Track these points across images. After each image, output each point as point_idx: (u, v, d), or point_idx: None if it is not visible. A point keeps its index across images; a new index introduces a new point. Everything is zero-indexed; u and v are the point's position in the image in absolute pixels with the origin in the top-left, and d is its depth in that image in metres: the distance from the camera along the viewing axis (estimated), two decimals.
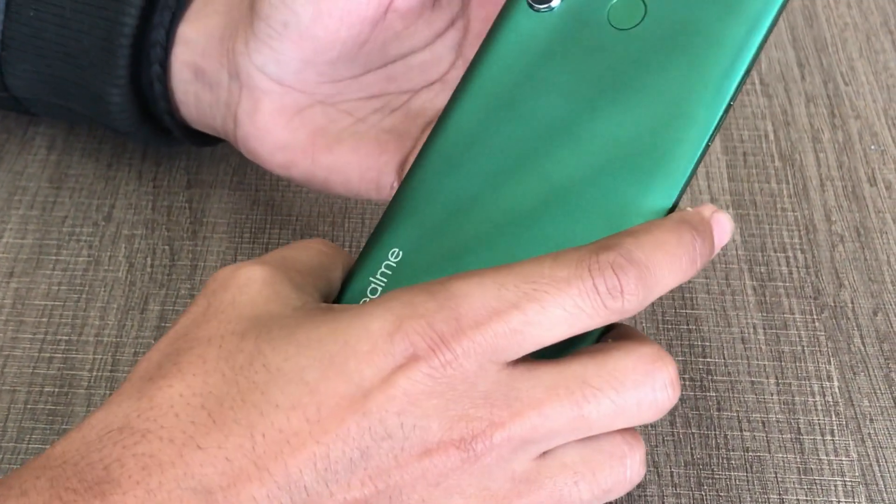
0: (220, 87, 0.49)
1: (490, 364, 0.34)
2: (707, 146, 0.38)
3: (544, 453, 0.35)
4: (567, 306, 0.34)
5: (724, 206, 0.57)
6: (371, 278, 0.39)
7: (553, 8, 0.40)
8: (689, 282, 0.53)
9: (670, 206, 0.38)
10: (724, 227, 0.38)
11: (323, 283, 0.38)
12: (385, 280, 0.39)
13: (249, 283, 0.36)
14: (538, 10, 0.40)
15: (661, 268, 0.35)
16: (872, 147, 0.59)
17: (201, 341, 0.35)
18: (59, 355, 0.51)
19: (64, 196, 0.57)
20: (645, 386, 0.35)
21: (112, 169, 0.59)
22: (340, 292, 0.39)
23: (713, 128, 0.38)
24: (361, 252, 0.40)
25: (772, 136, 0.60)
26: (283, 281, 0.36)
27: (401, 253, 0.39)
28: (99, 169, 0.59)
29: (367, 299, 0.39)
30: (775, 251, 0.55)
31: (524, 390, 0.34)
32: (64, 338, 0.51)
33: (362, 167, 0.47)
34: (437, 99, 0.48)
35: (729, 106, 0.39)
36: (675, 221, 0.37)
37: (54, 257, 0.55)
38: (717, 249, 0.38)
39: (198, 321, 0.36)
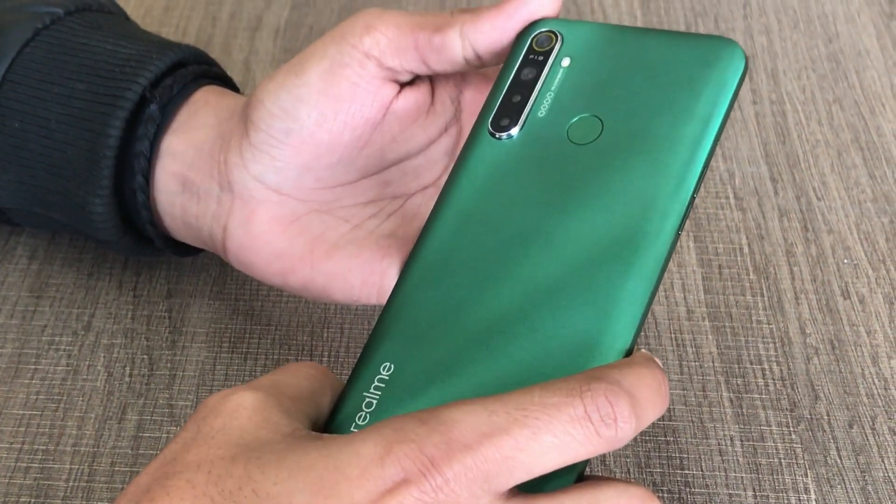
0: (210, 199, 0.50)
1: (482, 493, 0.33)
2: (678, 234, 0.40)
3: None
4: (558, 433, 0.33)
5: (700, 318, 0.57)
6: (365, 393, 0.39)
7: (513, 136, 0.43)
8: None
9: (649, 293, 0.39)
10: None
11: (312, 408, 0.38)
12: (379, 393, 0.39)
13: (240, 410, 0.36)
14: (499, 139, 0.43)
15: (646, 399, 0.35)
16: (845, 261, 0.60)
17: (190, 466, 0.34)
18: (36, 465, 0.50)
19: (44, 305, 0.58)
20: None
21: (92, 278, 0.59)
22: (334, 409, 0.39)
23: (681, 218, 0.40)
24: (354, 369, 0.40)
25: (746, 250, 0.61)
26: (273, 407, 0.36)
27: (392, 366, 0.39)
28: (79, 278, 0.59)
29: (363, 414, 0.39)
30: (751, 363, 0.55)
31: None
32: (41, 447, 0.51)
33: (364, 272, 0.48)
34: (431, 202, 0.49)
35: (692, 198, 0.40)
36: (645, 358, 0.37)
37: (33, 366, 0.55)
38: None
39: (188, 446, 0.35)
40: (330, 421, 0.39)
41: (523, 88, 0.44)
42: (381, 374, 0.39)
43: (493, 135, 0.43)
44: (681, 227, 0.40)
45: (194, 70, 0.53)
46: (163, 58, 0.52)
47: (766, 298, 0.58)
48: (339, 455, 0.33)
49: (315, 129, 0.47)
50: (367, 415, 0.38)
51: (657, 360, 0.37)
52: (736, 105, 0.68)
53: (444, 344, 0.39)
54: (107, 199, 0.51)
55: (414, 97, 0.48)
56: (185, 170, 0.50)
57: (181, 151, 0.51)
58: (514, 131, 0.43)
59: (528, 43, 0.45)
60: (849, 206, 0.63)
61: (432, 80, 0.49)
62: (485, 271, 0.40)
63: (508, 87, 0.44)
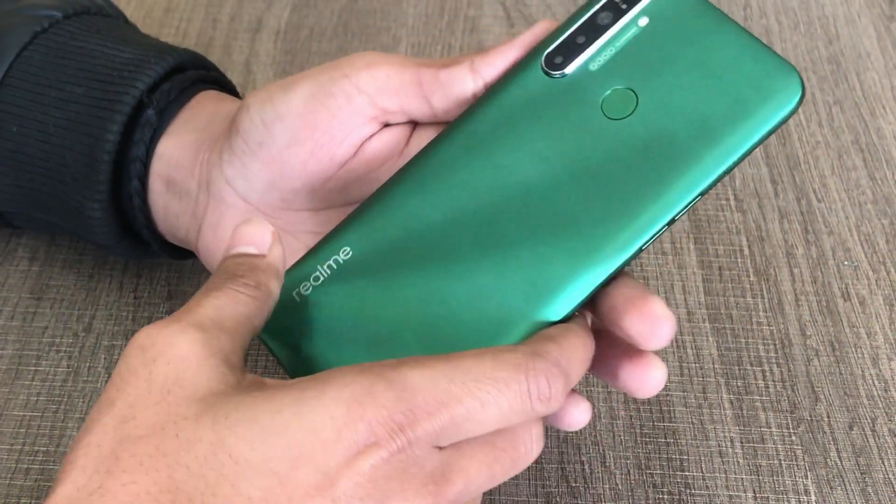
0: (189, 198, 0.50)
1: (432, 448, 0.36)
2: (641, 248, 0.40)
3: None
4: (502, 406, 0.36)
5: (701, 320, 0.57)
6: (318, 266, 0.42)
7: (557, 78, 0.43)
8: (667, 394, 0.54)
9: (600, 281, 0.40)
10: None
11: (249, 335, 0.39)
12: (329, 272, 0.42)
13: (189, 358, 0.36)
14: (546, 74, 0.43)
15: (577, 374, 0.39)
16: (845, 263, 0.60)
17: (155, 429, 0.34)
18: (37, 467, 0.50)
19: (45, 307, 0.58)
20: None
21: (93, 280, 0.59)
22: (286, 273, 0.42)
23: (652, 233, 0.40)
24: (319, 241, 0.43)
25: (747, 251, 0.61)
26: (215, 356, 0.36)
27: (350, 252, 0.42)
28: (80, 280, 0.59)
29: (307, 284, 0.42)
30: (751, 365, 0.55)
31: (455, 465, 0.37)
32: (42, 449, 0.51)
33: None
34: None
35: (673, 220, 0.40)
36: (583, 331, 0.40)
37: (34, 368, 0.55)
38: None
39: (143, 400, 0.35)
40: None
41: (592, 31, 0.43)
42: (338, 255, 0.42)
43: (542, 68, 0.43)
44: (655, 235, 0.40)
45: (192, 75, 0.53)
46: (161, 62, 0.52)
47: (766, 300, 0.58)
48: (312, 416, 0.34)
49: (284, 150, 0.47)
50: (311, 287, 0.42)
51: (588, 325, 0.41)
52: None
53: (402, 251, 0.42)
54: (104, 203, 0.51)
55: (390, 138, 0.48)
56: (170, 170, 0.51)
57: (168, 153, 0.51)
58: (560, 73, 0.43)
59: None
60: (849, 208, 0.63)
61: (414, 124, 0.49)
62: (467, 199, 0.42)
63: (580, 25, 0.43)
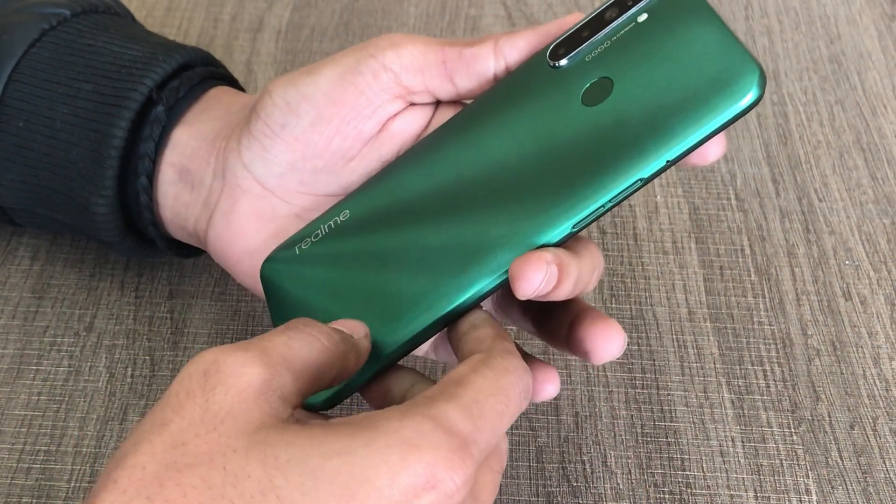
0: (202, 186, 0.50)
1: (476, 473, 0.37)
2: (573, 228, 0.41)
3: None
4: (514, 406, 0.39)
5: (702, 320, 0.57)
6: (321, 225, 0.46)
7: (556, 68, 0.44)
8: (668, 394, 0.54)
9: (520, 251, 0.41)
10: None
11: (313, 384, 0.38)
12: (328, 230, 0.46)
13: (248, 391, 0.35)
14: (549, 65, 0.44)
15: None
16: (847, 262, 0.60)
17: (202, 459, 0.33)
18: (38, 466, 0.50)
19: (46, 306, 0.58)
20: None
21: (94, 279, 0.59)
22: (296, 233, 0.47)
23: (581, 216, 0.41)
24: (331, 206, 0.47)
25: (748, 251, 0.61)
26: (275, 391, 0.35)
27: (348, 213, 0.46)
28: (81, 279, 0.59)
29: (308, 240, 0.46)
30: (752, 364, 0.55)
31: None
32: (43, 448, 0.51)
33: None
34: None
35: (607, 205, 0.41)
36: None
37: (35, 367, 0.55)
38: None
39: (196, 429, 0.34)
40: (288, 240, 0.47)
41: (596, 26, 0.44)
42: (338, 217, 0.46)
43: (547, 59, 0.44)
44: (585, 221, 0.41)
45: (201, 72, 0.53)
46: (169, 60, 0.52)
47: (767, 300, 0.58)
48: (365, 463, 0.34)
49: (308, 129, 0.47)
50: (310, 242, 0.46)
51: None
52: None
53: (388, 215, 0.45)
54: (110, 199, 0.51)
55: (414, 118, 0.48)
56: (185, 160, 0.51)
57: (185, 142, 0.51)
58: (559, 63, 0.44)
59: None
60: (850, 208, 0.63)
61: (437, 105, 0.49)
62: (449, 172, 0.44)
63: (589, 20, 0.45)
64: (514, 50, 0.46)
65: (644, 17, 0.43)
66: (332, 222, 0.46)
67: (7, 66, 0.52)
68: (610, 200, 0.40)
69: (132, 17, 0.59)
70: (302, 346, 0.37)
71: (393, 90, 0.47)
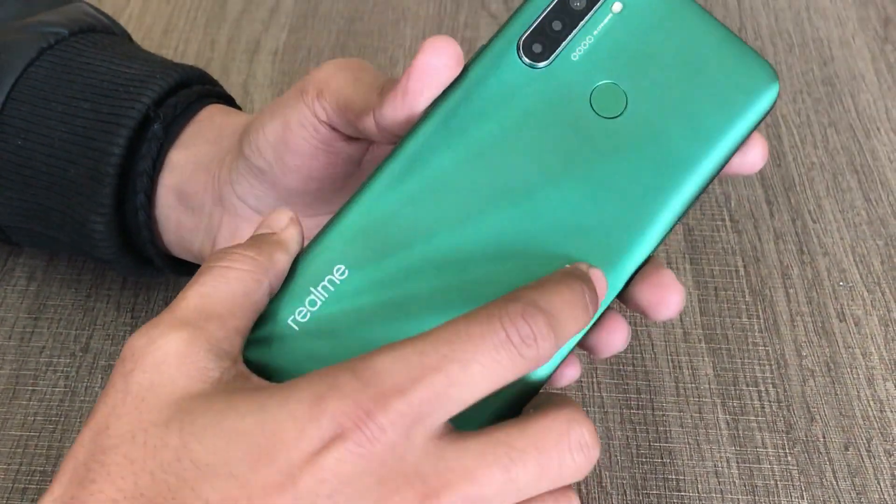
0: (203, 212, 0.50)
1: (417, 435, 0.33)
2: (651, 252, 0.39)
3: None
4: (485, 361, 0.33)
5: (697, 340, 0.57)
6: (312, 288, 0.39)
7: (539, 68, 0.40)
8: (663, 415, 0.54)
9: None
10: (600, 280, 0.39)
11: (245, 317, 0.37)
12: (326, 295, 0.38)
13: (166, 361, 0.35)
14: (525, 63, 0.40)
15: (563, 312, 0.35)
16: (841, 284, 0.60)
17: (125, 438, 0.34)
18: (34, 486, 0.50)
19: (42, 326, 0.58)
20: (562, 444, 0.35)
21: (91, 299, 0.59)
22: (274, 297, 0.39)
23: (664, 234, 0.39)
24: (301, 257, 0.39)
25: (742, 272, 0.61)
26: (199, 349, 0.35)
27: (347, 271, 0.39)
28: (78, 299, 0.59)
29: (303, 310, 0.38)
30: (747, 385, 0.55)
31: (453, 459, 0.33)
32: (38, 468, 0.51)
33: None
34: None
35: (671, 227, 0.39)
36: (564, 274, 0.37)
37: (31, 387, 0.55)
38: (600, 301, 0.38)
39: (118, 411, 0.35)
40: (267, 311, 0.38)
41: (567, 17, 0.41)
42: (332, 274, 0.39)
43: (519, 55, 0.40)
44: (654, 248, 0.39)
45: (198, 90, 0.53)
46: (166, 78, 0.52)
47: (761, 321, 0.58)
48: (274, 418, 0.33)
49: (280, 175, 0.47)
50: (308, 313, 0.38)
51: (583, 274, 0.37)
52: None
53: (404, 263, 0.39)
54: (108, 217, 0.51)
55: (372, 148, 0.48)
56: (182, 183, 0.51)
57: (181, 165, 0.51)
58: (543, 64, 0.40)
59: None
60: (844, 229, 0.64)
61: None
62: (460, 202, 0.39)
63: (552, 8, 0.41)
64: (385, 120, 0.42)
65: (619, 6, 0.41)
66: (326, 283, 0.39)
67: (5, 84, 0.52)
68: (670, 225, 0.39)
69: (129, 37, 0.59)
70: (216, 285, 0.37)
71: (333, 135, 0.46)
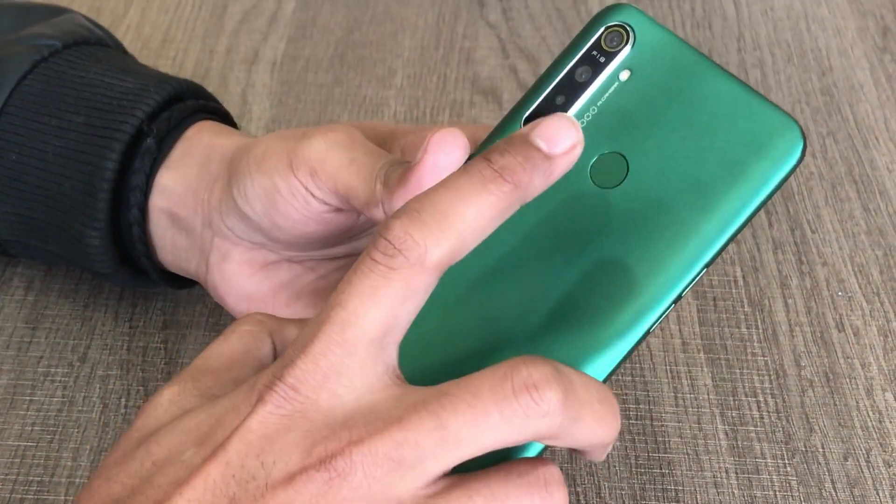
0: (194, 234, 0.51)
1: (339, 387, 0.34)
2: (649, 330, 0.37)
3: (448, 486, 0.34)
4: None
5: (695, 351, 0.57)
6: None
7: None
8: (662, 425, 0.54)
9: (602, 378, 0.37)
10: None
11: (244, 369, 0.38)
12: None
13: (157, 408, 0.37)
14: None
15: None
16: (840, 293, 0.60)
17: (112, 463, 0.37)
18: (31, 497, 0.50)
19: (40, 336, 0.58)
20: (503, 387, 0.33)
21: (88, 309, 0.59)
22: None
23: (658, 314, 0.37)
24: None
25: (741, 282, 0.61)
26: (189, 396, 0.37)
27: None
28: (75, 309, 0.59)
29: None
30: (746, 395, 0.55)
31: (384, 410, 0.33)
32: (36, 479, 0.51)
33: None
34: None
35: (683, 292, 0.38)
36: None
37: (28, 397, 0.55)
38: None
39: (116, 450, 0.37)
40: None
41: (571, 90, 0.40)
42: None
43: None
44: (663, 314, 0.37)
45: (192, 104, 0.53)
46: (160, 91, 0.52)
47: (760, 331, 0.58)
48: (219, 409, 0.36)
49: (269, 230, 0.48)
50: None
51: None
52: None
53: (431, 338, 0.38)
54: (103, 231, 0.51)
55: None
56: (173, 206, 0.51)
57: (170, 187, 0.51)
58: None
59: (598, 35, 0.40)
60: (843, 239, 0.63)
61: None
62: (449, 291, 0.38)
63: (557, 83, 0.40)
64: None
65: (627, 73, 0.39)
66: None
67: None
68: (673, 302, 0.37)
69: (123, 49, 0.59)
70: (219, 344, 0.39)
71: (320, 207, 0.47)
